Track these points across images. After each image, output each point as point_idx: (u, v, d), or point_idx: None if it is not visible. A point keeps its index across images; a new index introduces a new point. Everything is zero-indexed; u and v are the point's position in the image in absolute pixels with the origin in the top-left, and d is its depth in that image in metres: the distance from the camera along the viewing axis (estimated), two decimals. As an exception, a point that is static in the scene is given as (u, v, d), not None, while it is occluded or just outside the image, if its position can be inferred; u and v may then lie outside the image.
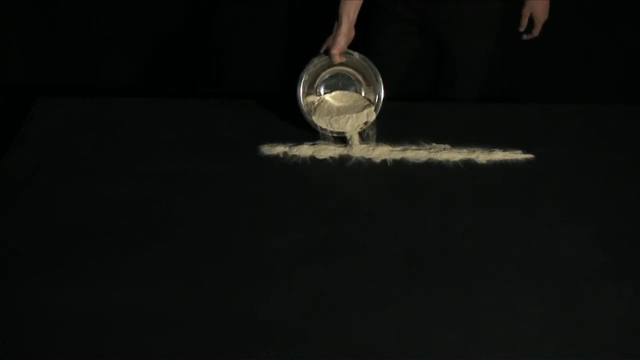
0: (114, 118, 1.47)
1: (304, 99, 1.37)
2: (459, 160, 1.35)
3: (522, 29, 1.68)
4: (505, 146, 1.38)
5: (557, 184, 1.30)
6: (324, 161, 1.35)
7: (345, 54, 1.37)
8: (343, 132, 1.36)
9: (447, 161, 1.35)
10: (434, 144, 1.39)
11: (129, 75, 2.40)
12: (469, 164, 1.34)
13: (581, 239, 1.18)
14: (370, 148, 1.37)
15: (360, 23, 1.40)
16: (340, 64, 1.39)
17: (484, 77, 1.75)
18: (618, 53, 2.42)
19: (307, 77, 1.37)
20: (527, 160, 1.35)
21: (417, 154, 1.36)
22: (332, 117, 1.36)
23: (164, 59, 2.41)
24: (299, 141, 1.38)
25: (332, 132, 1.36)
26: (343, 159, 1.35)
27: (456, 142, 1.39)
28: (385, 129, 1.42)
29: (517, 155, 1.36)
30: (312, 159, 1.35)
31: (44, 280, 1.08)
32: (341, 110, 1.38)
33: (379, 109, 1.37)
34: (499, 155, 1.36)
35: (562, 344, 1.00)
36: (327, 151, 1.36)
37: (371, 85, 1.40)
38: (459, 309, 1.05)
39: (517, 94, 2.26)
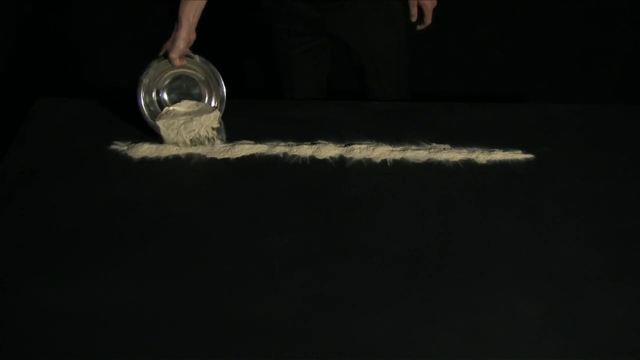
0: (114, 118, 1.47)
1: (147, 102, 1.37)
2: (459, 160, 1.35)
3: (413, 19, 1.67)
4: (505, 146, 1.38)
5: (557, 184, 1.30)
6: (324, 161, 1.35)
7: (186, 57, 1.36)
8: (189, 139, 1.36)
9: (447, 161, 1.35)
10: (434, 144, 1.38)
11: (129, 75, 2.40)
12: (469, 164, 1.34)
13: (581, 239, 1.18)
14: (371, 148, 1.37)
15: (267, 49, 1.38)
16: (183, 67, 1.38)
17: (406, 76, 1.74)
18: (618, 53, 2.43)
19: (147, 80, 1.37)
20: (527, 160, 1.35)
21: (417, 154, 1.36)
22: (177, 123, 1.35)
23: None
24: (298, 141, 1.38)
25: (174, 138, 1.35)
26: (343, 159, 1.35)
27: (456, 142, 1.39)
28: (385, 129, 1.42)
29: (517, 155, 1.36)
30: (312, 159, 1.35)
31: (44, 280, 1.09)
32: (187, 118, 1.36)
33: (222, 111, 1.38)
34: (499, 155, 1.36)
35: (562, 344, 1.00)
36: (327, 151, 1.36)
37: (213, 88, 1.40)
38: (458, 308, 1.05)
39: (517, 94, 2.26)
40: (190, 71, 1.40)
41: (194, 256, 1.14)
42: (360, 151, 1.36)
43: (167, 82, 1.40)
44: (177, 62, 1.35)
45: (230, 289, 1.08)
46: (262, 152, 1.36)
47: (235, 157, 1.35)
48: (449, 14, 1.76)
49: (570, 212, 1.23)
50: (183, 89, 1.41)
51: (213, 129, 1.36)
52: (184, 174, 1.31)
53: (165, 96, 1.41)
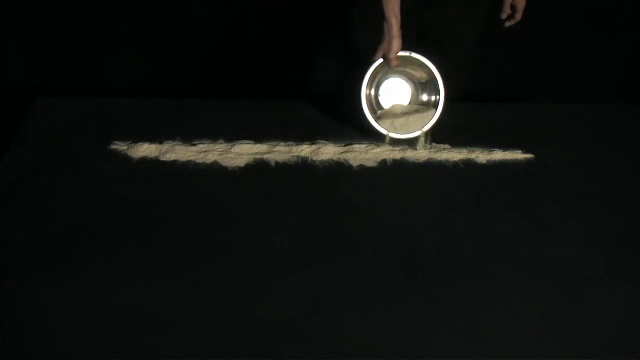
0: (114, 118, 1.47)
1: (368, 105, 1.38)
2: (459, 160, 1.35)
3: (504, 17, 1.68)
4: (505, 146, 1.38)
5: (557, 184, 1.30)
6: (324, 161, 1.35)
7: (400, 56, 1.36)
8: (406, 135, 1.37)
9: (447, 161, 1.35)
10: (434, 144, 1.39)
11: (129, 75, 2.40)
12: (469, 164, 1.34)
13: (581, 239, 1.18)
14: (371, 148, 1.37)
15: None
16: (400, 66, 1.37)
17: (465, 79, 1.74)
18: (618, 53, 2.42)
19: (367, 81, 1.37)
20: (527, 160, 1.35)
21: (417, 154, 1.36)
22: (394, 121, 1.37)
23: (165, 59, 2.41)
24: (298, 141, 1.38)
25: (392, 136, 1.37)
26: (343, 159, 1.35)
27: (456, 142, 1.39)
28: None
29: (517, 155, 1.36)
30: (312, 159, 1.35)
31: (44, 280, 1.08)
32: (404, 115, 1.38)
33: (442, 105, 1.38)
34: (499, 155, 1.36)
35: (562, 344, 1.00)
36: (327, 151, 1.36)
37: (429, 83, 1.40)
38: (458, 308, 1.05)
39: (518, 94, 2.26)
40: (407, 70, 1.40)
41: (194, 256, 1.14)
42: (360, 151, 1.36)
43: (384, 83, 1.41)
44: (395, 62, 1.34)
45: (230, 289, 1.08)
46: (262, 152, 1.36)
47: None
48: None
49: (570, 212, 1.23)
50: (393, 89, 1.42)
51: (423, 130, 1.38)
52: (184, 174, 1.31)
53: (382, 97, 1.42)
